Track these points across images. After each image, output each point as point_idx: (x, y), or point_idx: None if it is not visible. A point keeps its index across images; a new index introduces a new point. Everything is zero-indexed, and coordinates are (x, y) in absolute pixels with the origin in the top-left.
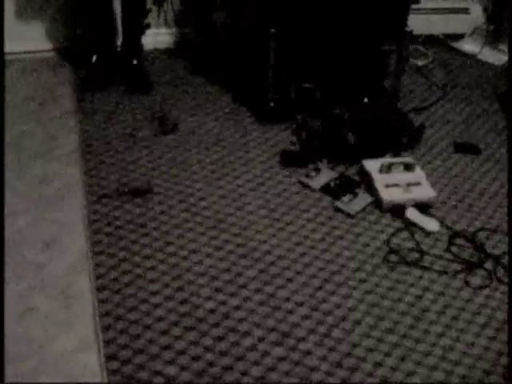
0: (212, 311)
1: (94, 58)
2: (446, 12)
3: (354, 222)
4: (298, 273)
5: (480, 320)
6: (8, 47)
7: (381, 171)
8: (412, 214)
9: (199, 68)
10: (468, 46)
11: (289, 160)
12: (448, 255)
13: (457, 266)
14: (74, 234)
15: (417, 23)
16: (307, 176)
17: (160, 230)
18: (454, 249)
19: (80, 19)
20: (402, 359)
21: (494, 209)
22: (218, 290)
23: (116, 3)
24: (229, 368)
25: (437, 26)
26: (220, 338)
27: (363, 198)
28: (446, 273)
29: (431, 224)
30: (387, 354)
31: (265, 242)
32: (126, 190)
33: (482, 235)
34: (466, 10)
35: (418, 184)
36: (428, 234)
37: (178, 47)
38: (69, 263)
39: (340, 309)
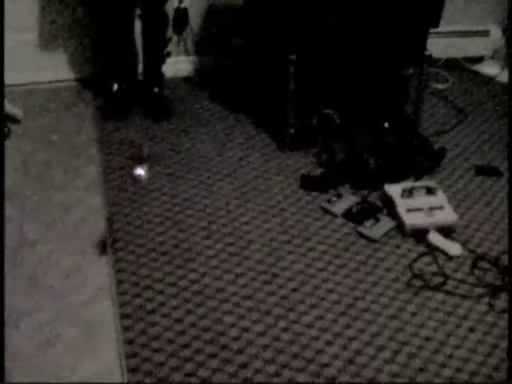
0: (235, 338)
1: (116, 86)
2: (465, 35)
3: (377, 246)
4: (322, 298)
5: (505, 344)
6: (30, 77)
7: (403, 196)
8: (434, 237)
9: (219, 95)
10: (488, 69)
11: (309, 184)
12: (471, 279)
13: (480, 290)
14: (97, 262)
15: (436, 47)
16: (329, 201)
17: (182, 257)
18: (477, 272)
19: (102, 48)
20: None
21: None
22: (241, 316)
23: (137, 32)
24: None
25: (456, 49)
26: (244, 365)
27: (385, 223)
28: (469, 297)
29: (454, 248)
30: (412, 379)
31: (287, 268)
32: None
33: (505, 258)
34: (485, 33)
35: (440, 208)
36: (451, 257)
37: (197, 75)
38: (92, 291)
39: (364, 334)
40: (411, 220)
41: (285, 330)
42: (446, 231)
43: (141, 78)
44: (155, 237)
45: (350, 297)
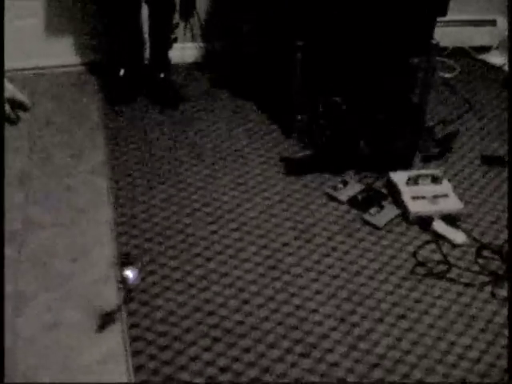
0: (239, 323)
1: (122, 71)
2: (472, 24)
3: (382, 234)
4: (326, 285)
5: (507, 332)
6: (38, 61)
7: (408, 183)
8: (439, 226)
9: (225, 81)
10: (494, 58)
11: (293, 167)
12: (475, 267)
13: (484, 278)
14: (103, 246)
15: (443, 36)
16: (334, 188)
17: (187, 242)
18: (481, 261)
19: (108, 33)
20: (429, 371)
21: None
22: (245, 301)
23: (144, 18)
24: (256, 380)
25: (463, 38)
26: (247, 350)
27: (390, 211)
28: (473, 285)
29: (458, 236)
30: (414, 366)
31: (292, 253)
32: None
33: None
34: (492, 23)
35: (445, 196)
36: (455, 246)
37: (204, 61)
38: (98, 275)
39: (367, 320)
40: (416, 208)
41: (289, 315)
42: (451, 219)
43: (147, 63)
44: (160, 221)
45: (353, 283)
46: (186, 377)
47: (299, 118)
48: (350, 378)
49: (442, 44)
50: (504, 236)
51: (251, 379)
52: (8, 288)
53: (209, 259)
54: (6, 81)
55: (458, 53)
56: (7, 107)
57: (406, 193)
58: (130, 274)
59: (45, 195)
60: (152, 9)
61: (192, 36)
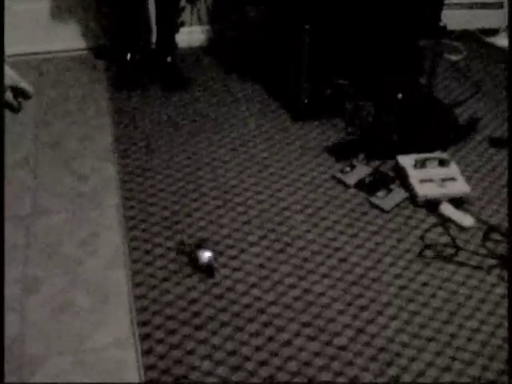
0: (247, 306)
1: (129, 55)
2: (480, 7)
3: (389, 217)
4: (333, 268)
5: None
6: (43, 46)
7: (415, 166)
8: (447, 209)
9: (233, 65)
10: (502, 41)
11: (340, 152)
12: (483, 250)
13: (492, 261)
14: (111, 231)
15: (451, 18)
16: (342, 172)
17: (194, 226)
18: (488, 244)
19: (114, 17)
20: (438, 354)
21: None
22: (253, 285)
23: (150, 1)
24: (264, 363)
25: (471, 21)
26: (256, 334)
27: (398, 194)
28: (481, 268)
29: (466, 219)
30: (422, 349)
31: (300, 237)
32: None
33: None
34: (500, 5)
35: (452, 179)
36: (463, 229)
37: (211, 44)
38: (106, 259)
39: (375, 304)
40: (423, 191)
41: (297, 298)
42: (458, 202)
43: (154, 47)
44: (169, 205)
45: (361, 267)
46: (194, 361)
47: (347, 105)
48: (358, 361)
49: (450, 27)
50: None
51: (259, 363)
52: (16, 273)
53: (217, 243)
54: (8, 68)
55: (466, 36)
56: (9, 95)
57: (414, 176)
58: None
59: (52, 180)
60: None
61: (199, 20)
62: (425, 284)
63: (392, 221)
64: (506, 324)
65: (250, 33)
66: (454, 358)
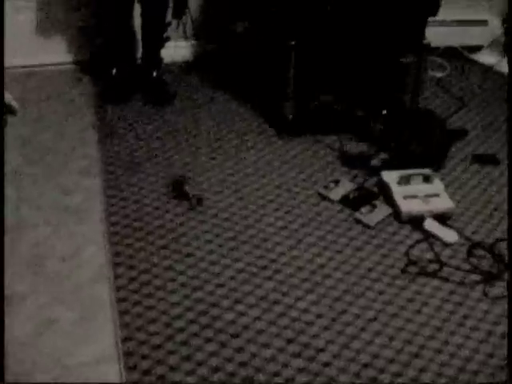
0: (232, 322)
1: (114, 70)
2: (464, 24)
3: (373, 233)
4: (318, 284)
5: (499, 330)
6: (29, 60)
7: (399, 182)
8: (430, 225)
9: (218, 80)
10: (486, 58)
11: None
12: (467, 266)
13: (476, 277)
14: (95, 246)
15: (435, 35)
16: (326, 187)
17: (179, 242)
18: (472, 260)
19: (100, 32)
20: (422, 370)
21: None
22: (237, 301)
23: (136, 16)
24: (249, 379)
25: (455, 37)
26: (240, 349)
27: (382, 210)
28: (464, 284)
29: (450, 235)
30: (406, 365)
31: (284, 253)
32: None
33: (500, 246)
34: (484, 22)
35: (436, 195)
36: (447, 245)
37: (196, 60)
38: (89, 275)
39: (359, 320)
40: (407, 207)
41: (281, 315)
42: (442, 218)
43: (140, 62)
44: (152, 221)
45: (345, 283)
46: (179, 377)
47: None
48: (343, 378)
49: (434, 44)
50: (495, 235)
51: (243, 379)
52: None
53: (201, 259)
54: None
55: (450, 52)
56: None
57: (398, 192)
58: None
59: (36, 194)
60: (144, 7)
61: (185, 35)
62: (409, 300)
63: (376, 237)
64: (491, 339)
65: (236, 48)
66: (438, 374)
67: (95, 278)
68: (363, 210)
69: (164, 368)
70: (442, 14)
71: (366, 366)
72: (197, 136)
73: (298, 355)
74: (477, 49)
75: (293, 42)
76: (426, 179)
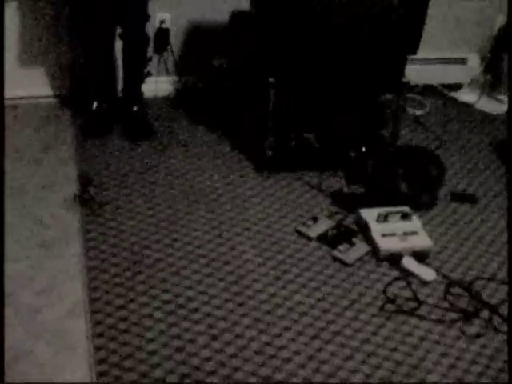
0: (208, 359)
1: (95, 104)
2: (443, 62)
3: (351, 271)
4: (295, 321)
5: (476, 369)
6: (8, 93)
7: (378, 220)
8: (408, 263)
9: (199, 115)
10: (466, 96)
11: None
12: (444, 304)
13: (453, 315)
14: (72, 280)
15: (414, 73)
16: (304, 225)
17: (156, 277)
18: (450, 298)
19: (81, 66)
20: None
21: (490, 257)
22: (214, 337)
23: (117, 51)
24: None
25: (434, 76)
26: None
27: (360, 247)
28: (442, 322)
29: (427, 273)
30: None
31: (261, 290)
32: None
33: (478, 284)
34: (463, 60)
35: (414, 233)
36: (425, 283)
37: (178, 95)
38: (66, 309)
39: (336, 358)
40: (386, 245)
41: (257, 352)
42: (420, 256)
43: (120, 96)
44: (130, 256)
45: (322, 320)
46: None
47: (352, 154)
48: None
49: (413, 82)
50: (473, 273)
51: None
52: None
53: (177, 295)
54: None
55: (429, 90)
56: None
57: (376, 230)
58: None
59: (14, 227)
60: (126, 42)
61: (166, 70)
62: (386, 338)
63: (354, 274)
64: (468, 378)
65: (217, 84)
66: None
67: (72, 312)
68: (341, 247)
69: None
70: (422, 52)
71: None
72: (175, 171)
73: None
74: (456, 87)
75: (272, 79)
76: (404, 217)
